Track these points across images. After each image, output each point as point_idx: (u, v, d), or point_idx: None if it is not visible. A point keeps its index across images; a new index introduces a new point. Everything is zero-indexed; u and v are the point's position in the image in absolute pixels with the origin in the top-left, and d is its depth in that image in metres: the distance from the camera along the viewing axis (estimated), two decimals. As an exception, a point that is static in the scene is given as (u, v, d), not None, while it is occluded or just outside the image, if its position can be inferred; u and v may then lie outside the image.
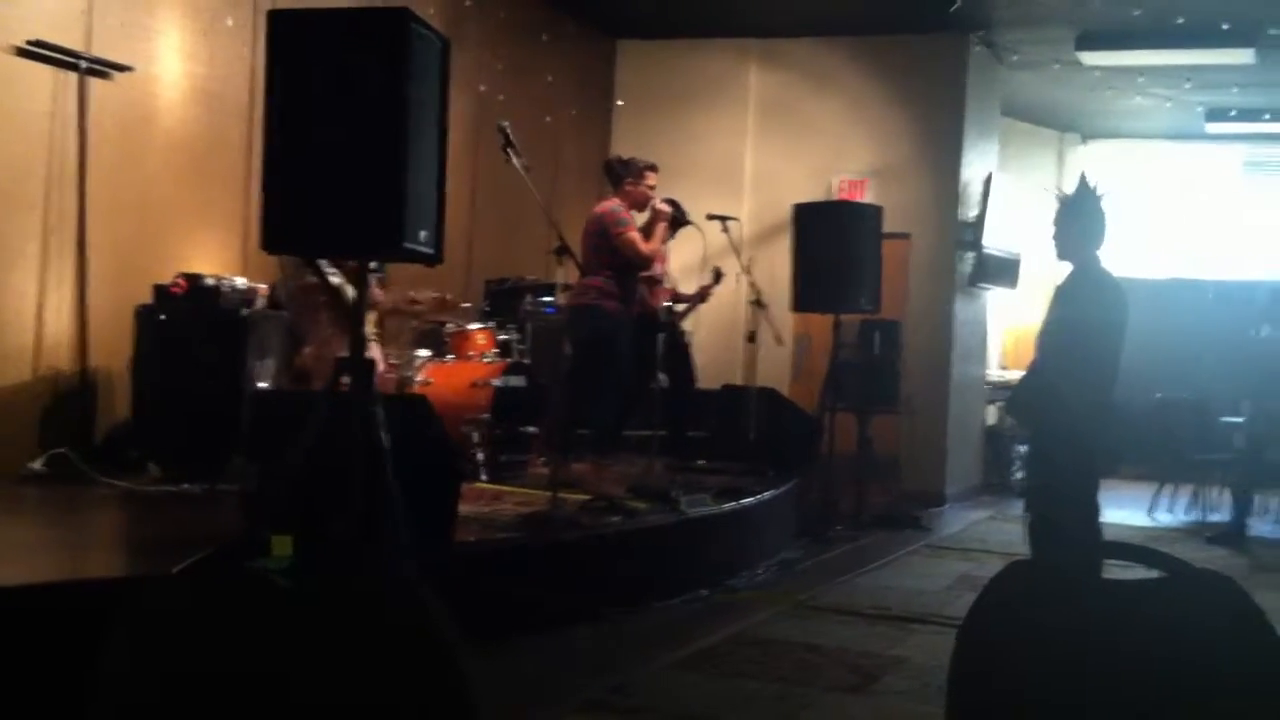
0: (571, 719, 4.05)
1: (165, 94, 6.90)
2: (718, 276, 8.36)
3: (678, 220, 7.22)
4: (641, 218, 7.19)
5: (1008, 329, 12.99)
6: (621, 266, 6.89)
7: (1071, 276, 5.02)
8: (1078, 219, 4.98)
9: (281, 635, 1.62)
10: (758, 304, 7.97)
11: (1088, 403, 4.82)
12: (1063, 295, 5.02)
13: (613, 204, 7.00)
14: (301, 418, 3.67)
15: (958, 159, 10.47)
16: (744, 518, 6.82)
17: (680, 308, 8.33)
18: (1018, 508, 8.73)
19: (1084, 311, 4.88)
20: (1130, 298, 4.97)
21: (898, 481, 9.83)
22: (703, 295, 8.39)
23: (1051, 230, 5.08)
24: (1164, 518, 9.95)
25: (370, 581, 1.76)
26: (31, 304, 6.19)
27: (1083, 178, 5.11)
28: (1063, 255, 5.06)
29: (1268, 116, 11.98)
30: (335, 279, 5.75)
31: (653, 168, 7.19)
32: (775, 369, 9.71)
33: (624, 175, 7.10)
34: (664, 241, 7.18)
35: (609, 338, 6.82)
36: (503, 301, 8.49)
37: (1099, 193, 5.00)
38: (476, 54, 9.05)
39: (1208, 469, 9.87)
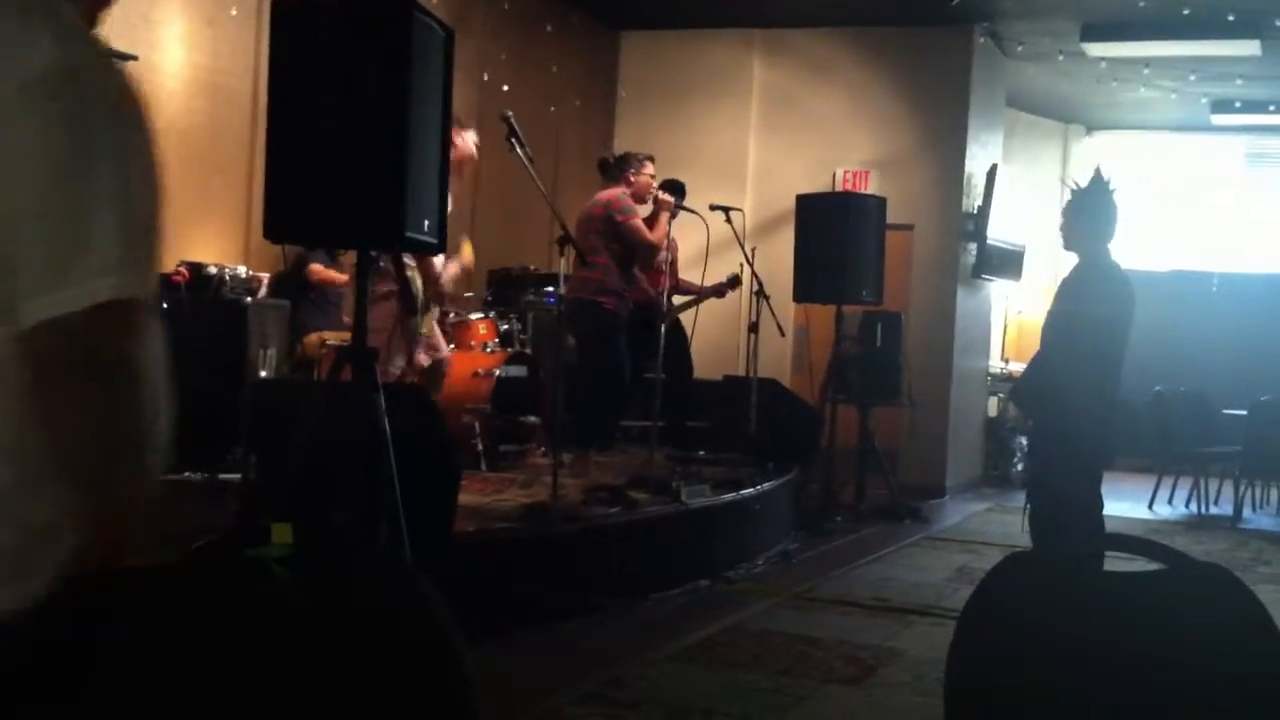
0: (570, 711, 4.06)
1: (168, 84, 6.88)
2: (734, 282, 8.31)
3: (676, 205, 7.22)
4: (643, 210, 7.17)
5: (1011, 320, 12.98)
6: (624, 256, 6.88)
7: (1078, 268, 5.01)
8: (1088, 211, 4.96)
9: (278, 626, 1.62)
10: (760, 295, 7.96)
11: (1091, 395, 4.81)
12: (1068, 287, 5.00)
13: (617, 191, 6.96)
14: (302, 407, 3.67)
15: (962, 150, 10.44)
16: (743, 509, 6.82)
17: (679, 300, 8.27)
18: (1018, 500, 8.73)
19: (1089, 303, 4.86)
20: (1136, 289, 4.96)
21: (898, 474, 9.83)
22: (718, 291, 8.32)
23: (1060, 220, 5.07)
24: (1163, 510, 9.96)
25: (369, 572, 1.76)
26: (33, 292, 6.19)
27: (1097, 171, 5.09)
28: (1069, 246, 5.04)
29: (1273, 108, 11.95)
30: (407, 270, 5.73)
31: (650, 158, 7.18)
32: (776, 360, 9.71)
33: (625, 168, 7.06)
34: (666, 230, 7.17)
35: (608, 332, 6.81)
36: (504, 291, 8.49)
37: (1112, 187, 4.99)
38: (480, 44, 9.04)
39: (1208, 461, 9.88)
